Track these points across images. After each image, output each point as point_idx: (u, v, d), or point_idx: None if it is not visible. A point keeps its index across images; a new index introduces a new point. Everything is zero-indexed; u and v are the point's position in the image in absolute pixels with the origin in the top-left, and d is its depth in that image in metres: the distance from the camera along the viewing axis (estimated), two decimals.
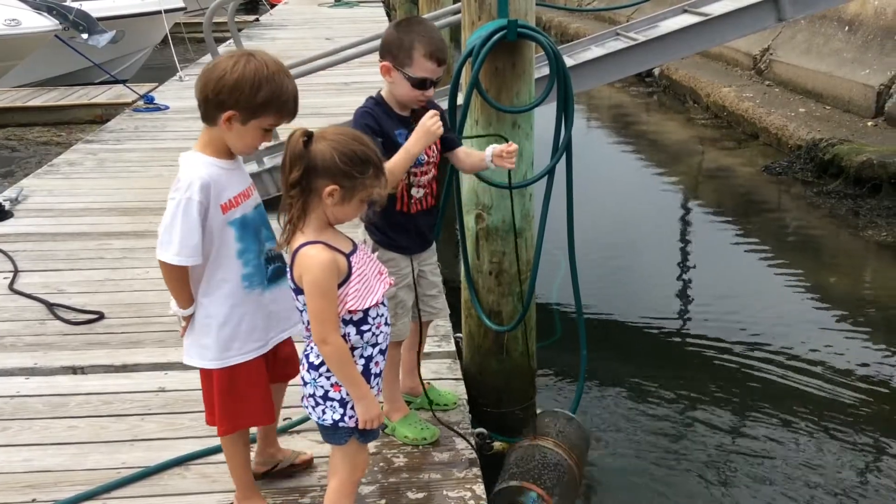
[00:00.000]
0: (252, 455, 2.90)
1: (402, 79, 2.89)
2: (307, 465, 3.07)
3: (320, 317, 2.27)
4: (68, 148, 8.41)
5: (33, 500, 2.94)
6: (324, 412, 2.39)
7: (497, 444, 3.81)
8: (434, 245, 3.27)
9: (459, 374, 3.87)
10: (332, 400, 2.37)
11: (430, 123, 2.83)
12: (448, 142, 3.11)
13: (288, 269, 2.34)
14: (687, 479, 3.78)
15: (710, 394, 4.50)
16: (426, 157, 3.02)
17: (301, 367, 2.46)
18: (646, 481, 3.79)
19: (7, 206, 6.07)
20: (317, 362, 2.37)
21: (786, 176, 8.25)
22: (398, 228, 3.08)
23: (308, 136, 2.24)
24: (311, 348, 2.38)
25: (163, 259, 2.46)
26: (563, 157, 3.50)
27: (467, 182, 3.74)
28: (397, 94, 2.95)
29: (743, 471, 3.84)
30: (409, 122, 2.96)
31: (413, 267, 3.15)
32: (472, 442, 3.35)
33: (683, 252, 6.91)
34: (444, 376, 3.79)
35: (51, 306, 4.46)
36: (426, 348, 4.03)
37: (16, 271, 4.96)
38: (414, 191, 3.04)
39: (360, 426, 2.39)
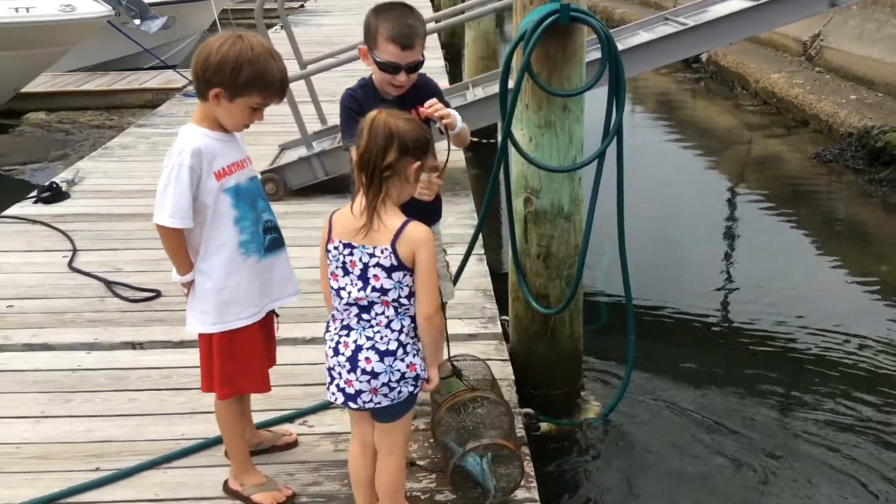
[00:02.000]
0: None
1: (373, 63, 2.91)
2: (291, 446, 3.15)
3: (434, 291, 2.37)
4: (120, 131, 8.60)
5: (97, 469, 3.05)
6: (399, 392, 2.42)
7: (544, 425, 3.85)
8: (437, 228, 3.16)
9: (506, 355, 3.92)
10: (408, 378, 2.42)
11: (431, 111, 2.80)
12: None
13: (383, 250, 2.34)
14: (730, 469, 3.75)
15: (756, 384, 4.47)
16: None
17: (362, 363, 2.39)
18: (688, 467, 3.77)
19: (64, 187, 6.24)
20: (392, 347, 2.39)
21: (836, 164, 8.13)
22: None
23: (391, 116, 2.32)
24: (382, 337, 2.39)
25: (158, 222, 2.60)
26: (614, 140, 3.51)
27: (516, 166, 3.78)
28: (374, 79, 2.96)
29: (789, 464, 3.79)
30: (394, 106, 2.94)
31: None
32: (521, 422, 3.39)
33: (730, 240, 6.85)
34: (491, 357, 3.83)
35: (109, 284, 4.60)
36: (471, 329, 4.11)
37: (74, 250, 5.11)
38: None
39: (431, 386, 2.52)
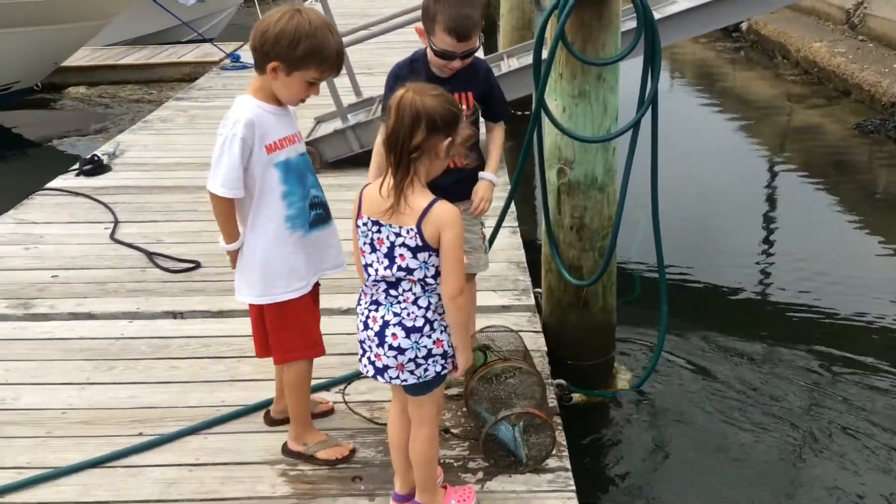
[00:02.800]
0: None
1: (428, 45, 2.95)
2: (327, 414, 3.22)
3: (462, 267, 2.36)
4: (159, 105, 8.71)
5: (140, 434, 3.15)
6: (426, 370, 2.43)
7: (576, 396, 3.89)
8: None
9: (539, 327, 3.94)
10: (435, 356, 2.42)
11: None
12: (491, 109, 3.13)
13: (409, 230, 2.32)
14: (764, 442, 3.76)
15: (791, 356, 4.45)
16: None
17: (389, 339, 2.41)
18: (721, 440, 3.78)
19: (105, 160, 6.35)
20: (419, 324, 2.39)
21: (878, 134, 7.98)
22: None
23: (418, 94, 2.28)
24: (409, 313, 2.39)
25: (210, 190, 2.63)
26: (649, 111, 3.49)
27: (549, 137, 3.77)
28: (429, 57, 3.00)
29: (823, 436, 3.79)
30: (441, 84, 2.94)
31: None
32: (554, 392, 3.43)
33: (768, 212, 6.78)
34: (524, 328, 3.86)
35: (150, 255, 4.70)
36: (505, 300, 4.14)
37: (116, 222, 5.21)
38: None
39: (460, 373, 2.51)
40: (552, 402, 3.32)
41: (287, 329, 2.83)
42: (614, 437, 3.83)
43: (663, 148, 3.56)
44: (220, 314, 4.04)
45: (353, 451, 3.00)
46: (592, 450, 3.72)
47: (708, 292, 5.26)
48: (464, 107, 3.02)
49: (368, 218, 2.39)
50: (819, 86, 9.99)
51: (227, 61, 10.21)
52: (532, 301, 4.17)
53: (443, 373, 2.46)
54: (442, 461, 2.96)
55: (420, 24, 2.96)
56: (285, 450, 3.03)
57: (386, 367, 2.44)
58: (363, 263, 2.44)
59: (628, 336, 4.52)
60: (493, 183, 3.16)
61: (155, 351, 3.74)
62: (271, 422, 3.17)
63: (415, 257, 2.35)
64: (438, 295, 2.41)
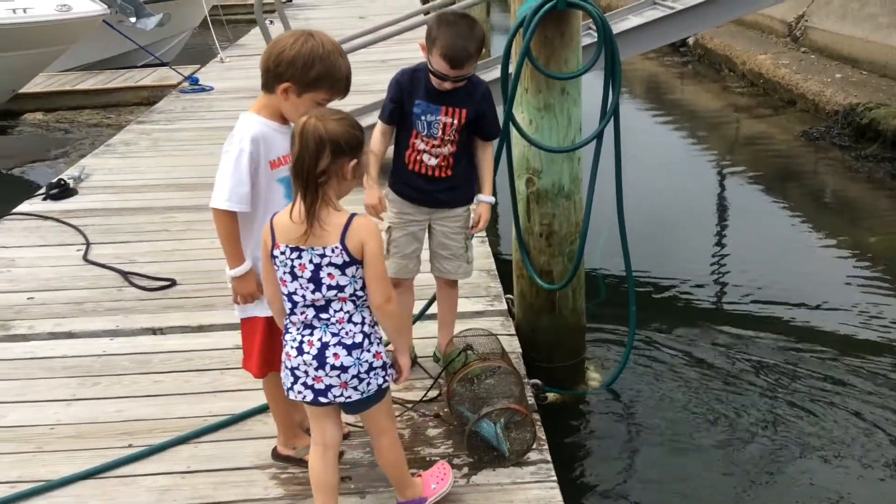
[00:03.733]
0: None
1: (427, 61, 3.16)
2: (346, 438, 3.18)
3: (385, 277, 2.43)
4: (118, 129, 8.72)
5: (129, 445, 3.21)
6: (368, 384, 2.46)
7: (551, 396, 4.04)
8: (460, 210, 3.40)
9: (512, 330, 4.09)
10: (375, 368, 2.47)
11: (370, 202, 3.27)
12: (481, 130, 3.32)
13: (334, 249, 2.35)
14: (730, 436, 3.92)
15: (753, 352, 4.64)
16: (440, 132, 3.23)
17: (331, 359, 2.42)
18: (689, 435, 3.95)
19: (72, 183, 6.36)
20: (358, 339, 2.43)
21: (823, 141, 8.32)
22: (399, 176, 3.37)
23: (320, 120, 2.32)
24: (347, 332, 2.42)
25: (214, 205, 2.66)
26: (611, 121, 3.68)
27: (518, 148, 3.93)
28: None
29: (787, 437, 3.93)
30: (438, 98, 3.19)
31: (420, 219, 3.39)
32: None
33: (722, 219, 7.04)
34: (498, 332, 3.98)
35: (125, 274, 4.74)
36: (478, 307, 4.28)
37: (88, 244, 5.24)
38: (426, 157, 3.28)
39: (405, 378, 2.58)
40: (530, 399, 3.46)
41: (276, 342, 2.87)
42: (588, 435, 3.99)
43: (623, 159, 3.75)
44: (201, 329, 4.11)
45: (342, 454, 3.10)
46: (568, 446, 3.87)
47: (670, 294, 5.47)
48: (454, 121, 3.20)
49: (286, 246, 2.39)
50: (765, 97, 10.37)
51: (186, 84, 10.25)
52: (504, 306, 4.32)
53: (384, 385, 2.51)
54: (428, 459, 3.08)
55: (423, 41, 3.17)
56: (275, 454, 3.12)
57: (329, 388, 2.45)
58: (286, 293, 2.43)
59: (599, 337, 4.69)
60: (492, 203, 3.40)
61: (138, 366, 3.80)
62: (278, 457, 3.12)
63: (343, 273, 2.38)
64: (369, 308, 2.47)
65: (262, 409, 3.34)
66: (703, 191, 7.56)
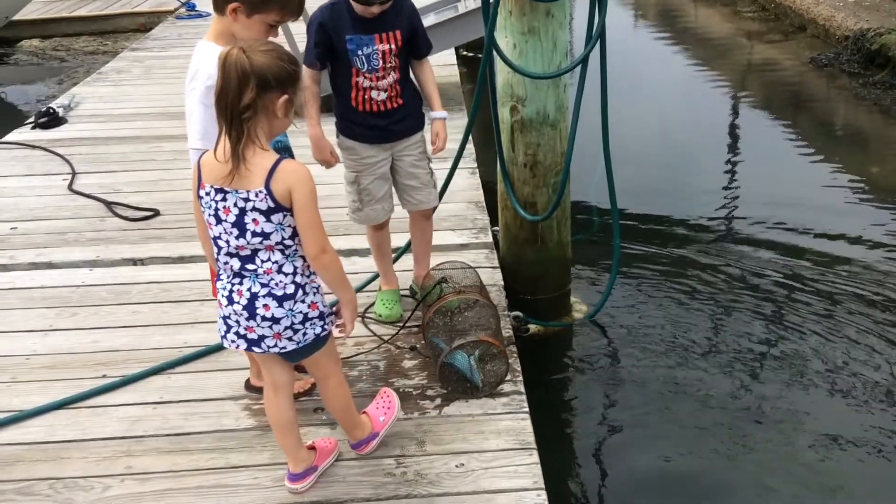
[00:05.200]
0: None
1: None
2: (310, 391, 3.10)
3: (318, 226, 2.24)
4: (114, 56, 8.57)
5: (103, 376, 3.21)
6: (304, 335, 2.35)
7: (532, 327, 4.00)
8: (417, 136, 3.30)
9: (496, 263, 4.03)
10: (311, 319, 2.34)
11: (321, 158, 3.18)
12: (416, 48, 3.17)
13: (258, 193, 2.18)
14: (712, 374, 3.86)
15: (744, 287, 4.57)
16: (381, 63, 3.07)
17: (261, 310, 2.28)
18: (669, 371, 3.89)
19: (61, 112, 6.28)
20: (290, 290, 2.29)
21: (832, 67, 8.10)
22: (349, 121, 3.21)
23: (245, 52, 2.13)
24: (277, 282, 2.28)
25: (190, 146, 2.61)
26: (598, 45, 3.54)
27: (502, 75, 3.81)
28: (351, 1, 2.99)
29: (776, 375, 3.85)
30: (368, 26, 3.01)
31: (383, 157, 3.26)
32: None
33: (726, 145, 6.88)
34: (482, 265, 3.94)
35: (109, 204, 4.70)
36: (463, 239, 4.22)
37: (73, 173, 5.19)
38: (374, 93, 3.13)
39: (348, 330, 2.42)
40: (508, 332, 3.42)
41: None
42: (569, 365, 3.96)
43: (625, 86, 3.64)
44: (181, 260, 4.08)
45: (313, 386, 3.08)
46: (546, 378, 3.85)
47: (666, 226, 5.37)
48: (392, 45, 3.07)
49: (211, 187, 2.22)
50: (776, 21, 10.07)
51: (183, 10, 10.05)
52: (490, 239, 4.25)
53: (322, 334, 2.40)
54: (400, 390, 3.06)
55: None
56: (248, 386, 3.11)
57: (262, 338, 2.33)
58: (211, 236, 2.30)
59: (584, 271, 4.63)
60: (446, 118, 3.24)
61: (116, 297, 3.78)
62: (251, 388, 3.10)
63: (269, 220, 2.21)
64: (301, 257, 2.32)
65: None
66: (710, 118, 7.39)
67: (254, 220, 2.22)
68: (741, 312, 4.32)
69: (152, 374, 3.21)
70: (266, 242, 2.25)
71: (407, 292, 3.68)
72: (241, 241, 2.25)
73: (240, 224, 2.23)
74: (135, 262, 4.10)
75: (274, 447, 2.77)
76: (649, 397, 3.71)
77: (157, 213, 4.58)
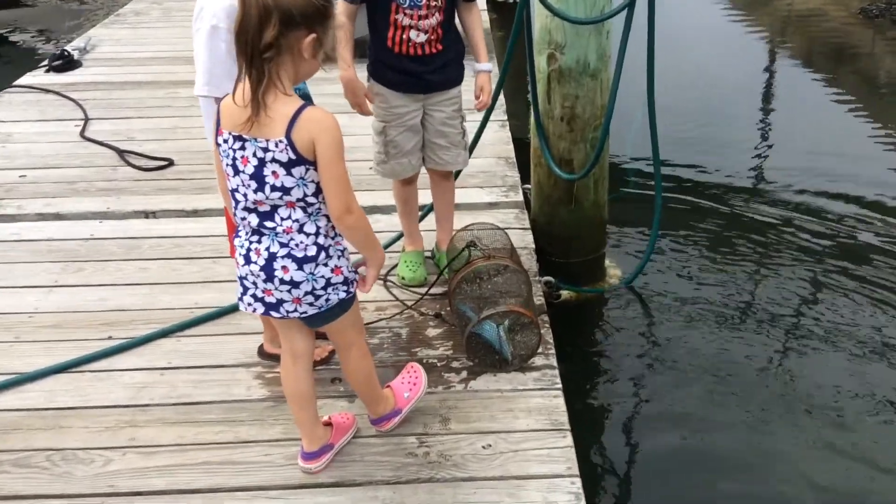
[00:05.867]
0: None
1: None
2: (328, 359, 2.91)
3: (344, 183, 2.03)
4: None
5: (109, 337, 3.02)
6: (327, 300, 2.16)
7: (565, 293, 3.77)
8: (454, 91, 3.03)
9: (527, 224, 3.78)
10: (335, 284, 2.14)
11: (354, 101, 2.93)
12: None
13: (278, 142, 1.96)
14: (751, 345, 3.62)
15: (787, 251, 4.30)
16: (424, 0, 2.79)
17: (279, 273, 2.09)
18: (708, 341, 3.65)
19: (76, 55, 6.05)
20: (312, 252, 2.09)
21: (883, 19, 7.68)
22: (383, 64, 2.92)
23: None
24: (298, 243, 2.08)
25: (196, 92, 2.38)
26: None
27: (539, 20, 3.53)
28: None
29: (815, 341, 3.65)
30: None
31: (414, 108, 3.00)
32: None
33: (768, 101, 6.56)
34: (511, 226, 3.70)
35: (121, 153, 4.49)
36: (492, 197, 3.97)
37: (86, 119, 4.99)
38: (413, 34, 2.84)
39: (367, 289, 2.24)
40: (540, 299, 3.19)
41: None
42: (603, 335, 3.73)
43: (661, 36, 3.32)
44: (195, 213, 3.87)
45: (331, 353, 2.87)
46: (579, 348, 3.61)
47: (705, 187, 5.08)
48: None
49: (229, 133, 2.01)
50: None
51: None
52: (520, 197, 4.00)
53: (346, 298, 2.19)
54: (424, 361, 2.85)
55: None
56: (261, 352, 2.91)
57: (280, 302, 2.14)
58: (229, 188, 2.09)
59: (620, 232, 4.37)
60: (491, 71, 3.00)
61: (126, 252, 3.59)
62: (264, 355, 2.91)
63: (289, 174, 2.00)
64: (325, 216, 2.10)
65: None
66: (750, 72, 7.05)
67: (273, 172, 2.01)
68: (793, 277, 4.05)
69: (160, 336, 3.02)
70: (286, 198, 2.04)
71: (429, 253, 3.46)
72: (260, 196, 2.04)
73: (258, 176, 2.02)
74: (146, 214, 3.89)
75: (287, 420, 2.58)
76: (691, 373, 3.45)
77: (171, 162, 4.37)
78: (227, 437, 2.55)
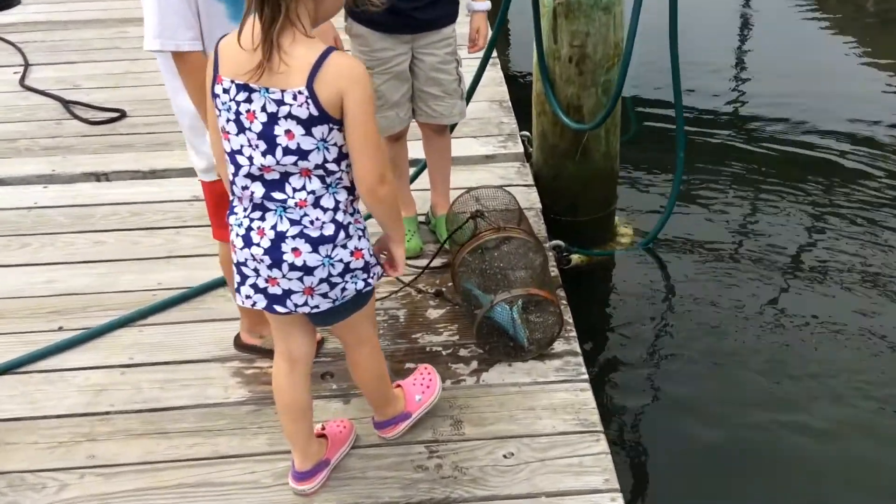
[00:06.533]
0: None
1: None
2: (320, 347, 2.53)
3: (377, 146, 1.69)
4: None
5: (60, 328, 2.61)
6: (344, 289, 1.81)
7: (575, 257, 3.40)
8: (447, 31, 2.64)
9: (530, 180, 3.39)
10: (354, 270, 1.80)
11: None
12: None
13: (297, 94, 1.60)
14: (772, 310, 3.27)
15: (787, 190, 3.95)
16: None
17: (289, 256, 1.72)
18: (733, 306, 3.28)
19: None
20: (329, 231, 1.73)
21: None
22: None
23: None
24: (313, 220, 1.72)
25: (146, 47, 1.94)
26: None
27: None
28: None
29: (813, 276, 3.37)
30: None
31: (402, 52, 2.60)
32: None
33: (758, 34, 6.19)
34: (512, 182, 3.31)
35: (66, 104, 4.05)
36: (488, 149, 3.57)
37: (26, 65, 4.54)
38: None
39: (399, 271, 1.92)
40: (553, 271, 2.81)
41: (222, 209, 2.22)
42: (623, 306, 3.34)
43: None
44: (153, 174, 3.45)
45: (321, 342, 2.48)
46: (597, 324, 3.22)
47: (718, 132, 4.62)
48: None
49: (231, 82, 1.64)
50: None
51: None
52: (520, 148, 3.60)
53: (365, 290, 1.84)
54: (428, 349, 2.48)
55: None
56: (238, 343, 2.52)
57: (288, 293, 1.78)
58: (229, 151, 1.71)
59: (630, 183, 3.97)
60: (488, 10, 2.61)
61: (75, 222, 3.17)
62: (242, 347, 2.53)
63: (309, 133, 1.64)
64: (346, 188, 1.75)
65: (223, 282, 2.67)
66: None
67: (287, 131, 1.64)
68: (849, 234, 3.66)
69: (119, 326, 2.61)
70: (302, 164, 1.67)
71: (423, 218, 3.06)
72: (269, 160, 1.67)
73: (268, 135, 1.65)
74: (97, 176, 3.45)
75: (272, 428, 2.23)
76: (729, 354, 3.06)
77: (123, 114, 3.92)
78: (203, 452, 2.18)
